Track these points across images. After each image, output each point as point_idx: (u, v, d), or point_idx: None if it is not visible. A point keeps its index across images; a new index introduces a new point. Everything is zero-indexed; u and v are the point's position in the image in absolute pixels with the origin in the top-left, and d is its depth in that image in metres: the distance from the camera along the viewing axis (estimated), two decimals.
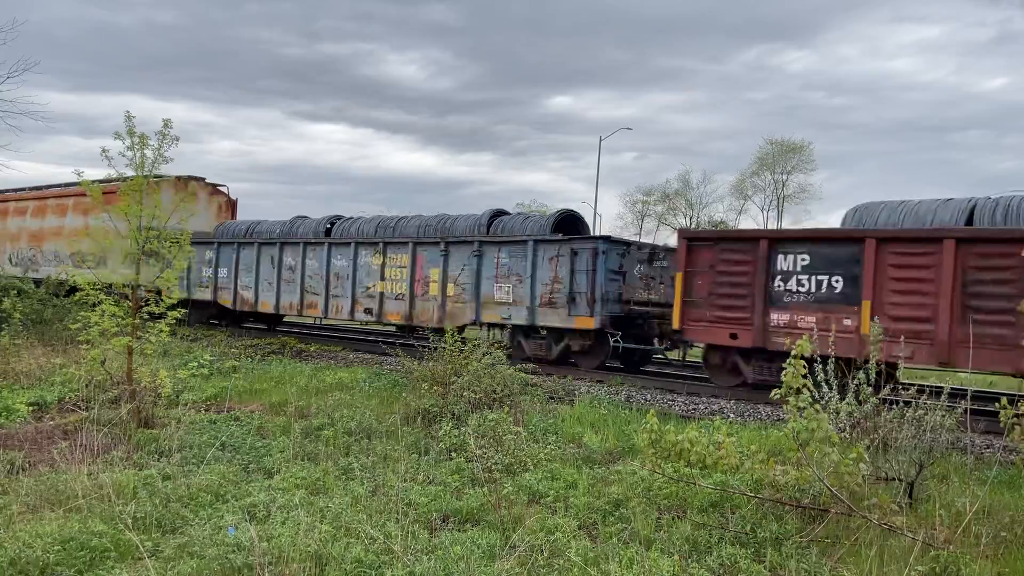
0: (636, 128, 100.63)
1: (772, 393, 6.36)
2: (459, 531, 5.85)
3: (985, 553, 5.50)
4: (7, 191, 27.17)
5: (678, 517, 6.31)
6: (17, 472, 6.95)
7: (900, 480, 6.61)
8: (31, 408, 9.62)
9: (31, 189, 26.65)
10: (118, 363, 9.89)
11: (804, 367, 6.14)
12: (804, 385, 6.11)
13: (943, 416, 6.95)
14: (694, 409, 11.46)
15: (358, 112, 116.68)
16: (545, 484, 7.04)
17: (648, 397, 12.36)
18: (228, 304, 20.42)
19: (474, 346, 10.95)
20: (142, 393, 9.19)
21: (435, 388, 10.24)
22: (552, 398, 11.74)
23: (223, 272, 20.49)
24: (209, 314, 21.52)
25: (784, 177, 58.20)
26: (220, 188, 24.09)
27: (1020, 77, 78.27)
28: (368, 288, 17.38)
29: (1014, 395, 9.20)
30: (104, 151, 9.55)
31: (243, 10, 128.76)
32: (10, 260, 25.14)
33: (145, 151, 9.65)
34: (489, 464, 7.44)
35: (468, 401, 9.78)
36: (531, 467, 7.55)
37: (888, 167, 75.60)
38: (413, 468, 7.53)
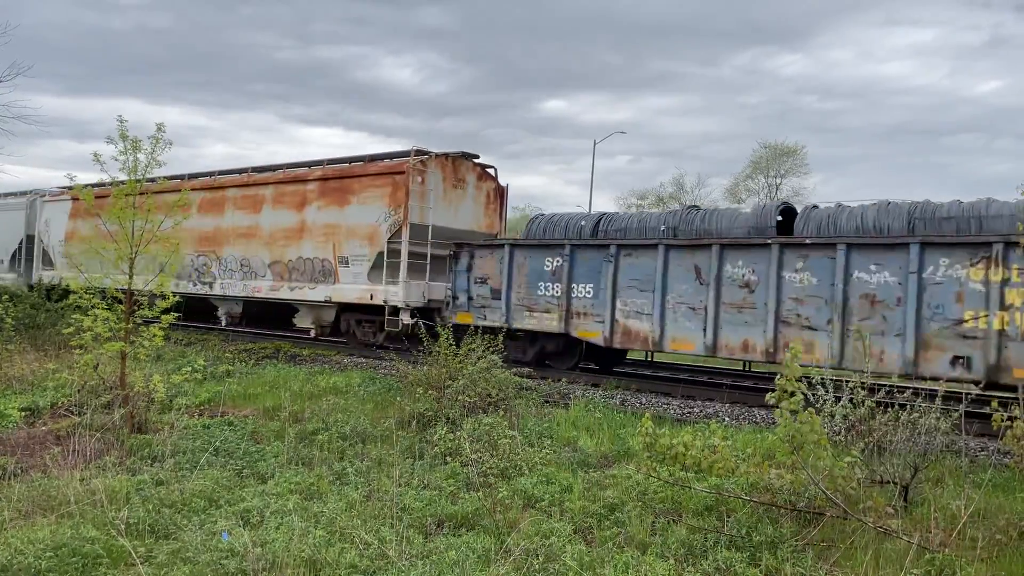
0: (630, 132, 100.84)
1: (767, 397, 6.37)
2: (454, 536, 5.83)
3: (980, 556, 5.50)
4: (172, 177, 19.75)
5: (673, 521, 6.30)
6: (9, 478, 6.92)
7: (895, 483, 6.62)
8: (24, 413, 9.57)
9: (190, 177, 20.65)
10: (111, 368, 9.85)
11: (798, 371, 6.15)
12: (797, 388, 6.13)
13: (937, 419, 6.98)
14: (689, 412, 11.46)
15: (352, 115, 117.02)
16: (540, 488, 7.02)
17: (643, 401, 12.36)
18: (594, 338, 13.66)
19: (469, 350, 10.92)
20: (135, 398, 9.16)
21: (430, 392, 10.22)
22: (547, 402, 11.71)
23: (582, 290, 13.84)
24: (541, 350, 14.97)
25: (778, 180, 58.30)
26: (488, 170, 18.02)
27: (1013, 81, 78.79)
28: (960, 323, 10.42)
29: (1007, 398, 9.21)
30: (96, 155, 9.53)
31: (237, 14, 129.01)
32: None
33: (138, 155, 9.63)
34: (484, 468, 7.42)
35: (463, 405, 9.75)
36: (526, 471, 7.54)
37: (881, 170, 75.92)
38: (408, 473, 7.50)
